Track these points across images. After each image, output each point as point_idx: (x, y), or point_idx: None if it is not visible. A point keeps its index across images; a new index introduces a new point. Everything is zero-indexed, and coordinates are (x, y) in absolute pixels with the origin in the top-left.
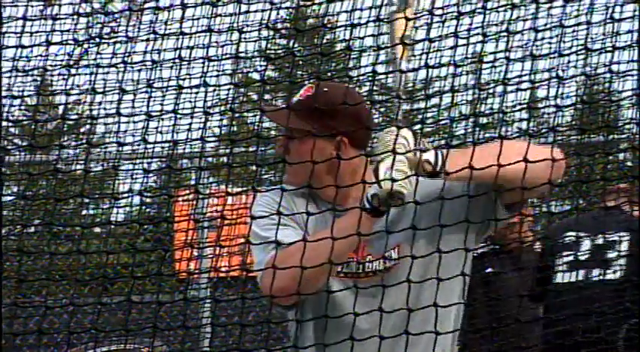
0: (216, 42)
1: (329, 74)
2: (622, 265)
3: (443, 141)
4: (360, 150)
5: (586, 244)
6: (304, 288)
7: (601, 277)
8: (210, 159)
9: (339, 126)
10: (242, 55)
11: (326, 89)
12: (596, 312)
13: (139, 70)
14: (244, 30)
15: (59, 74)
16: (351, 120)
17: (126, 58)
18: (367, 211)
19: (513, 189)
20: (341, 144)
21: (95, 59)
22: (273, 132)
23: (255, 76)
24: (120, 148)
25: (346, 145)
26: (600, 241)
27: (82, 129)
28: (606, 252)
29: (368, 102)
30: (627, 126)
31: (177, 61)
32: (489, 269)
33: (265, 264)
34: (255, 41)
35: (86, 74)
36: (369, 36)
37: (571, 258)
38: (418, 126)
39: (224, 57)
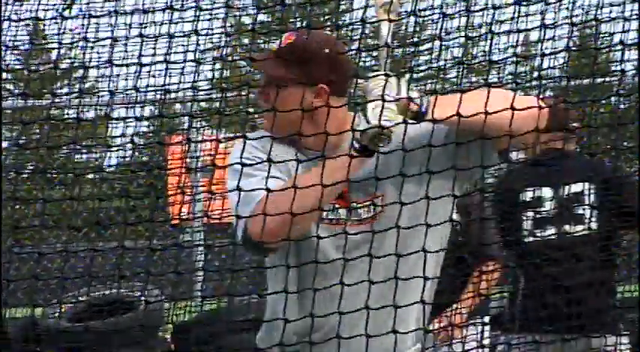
0: None
1: (321, 19)
2: (591, 218)
3: (434, 86)
4: (341, 98)
5: (550, 200)
6: (293, 232)
7: (573, 231)
8: (202, 104)
9: (318, 74)
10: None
11: (306, 36)
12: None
13: (131, 13)
14: None
15: (52, 18)
16: (330, 67)
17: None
18: (356, 151)
19: (499, 136)
20: (321, 92)
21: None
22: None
23: (247, 20)
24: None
25: (326, 93)
26: (564, 193)
27: (74, 75)
28: (573, 205)
29: (351, 51)
30: (618, 70)
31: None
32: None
33: (253, 209)
34: None
35: (78, 17)
36: None
37: (537, 215)
38: (408, 74)
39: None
